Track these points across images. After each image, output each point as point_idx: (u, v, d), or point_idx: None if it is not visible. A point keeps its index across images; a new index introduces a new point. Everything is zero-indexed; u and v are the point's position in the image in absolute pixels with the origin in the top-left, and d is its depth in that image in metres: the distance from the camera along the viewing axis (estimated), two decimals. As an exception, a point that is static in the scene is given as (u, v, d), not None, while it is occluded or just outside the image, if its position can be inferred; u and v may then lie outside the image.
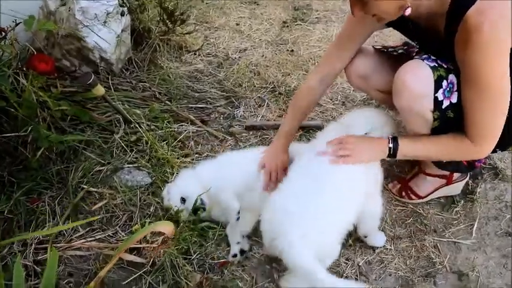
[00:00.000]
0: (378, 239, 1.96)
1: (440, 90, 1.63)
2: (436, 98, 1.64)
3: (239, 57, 3.09)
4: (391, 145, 1.74)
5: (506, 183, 2.15)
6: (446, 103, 1.65)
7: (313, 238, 1.58)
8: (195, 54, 3.10)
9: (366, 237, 1.93)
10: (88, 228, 1.97)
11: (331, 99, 2.70)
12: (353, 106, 2.67)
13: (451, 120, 1.69)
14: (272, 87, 2.78)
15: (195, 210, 1.91)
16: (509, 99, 1.55)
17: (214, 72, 2.93)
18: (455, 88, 1.63)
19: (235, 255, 1.88)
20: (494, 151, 1.78)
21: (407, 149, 1.75)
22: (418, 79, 1.64)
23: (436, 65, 1.63)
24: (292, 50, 3.17)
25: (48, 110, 2.04)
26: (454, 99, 1.65)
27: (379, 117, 1.93)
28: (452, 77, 1.63)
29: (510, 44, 1.47)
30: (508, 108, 1.57)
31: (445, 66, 1.63)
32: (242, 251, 1.89)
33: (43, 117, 2.01)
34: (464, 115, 1.62)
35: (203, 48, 3.14)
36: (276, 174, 1.92)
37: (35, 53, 2.15)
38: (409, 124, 1.81)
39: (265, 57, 3.08)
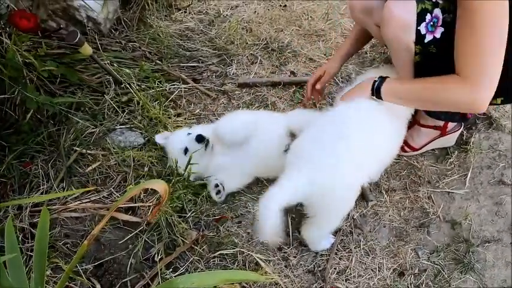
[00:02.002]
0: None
1: (423, 24, 1.59)
2: (418, 31, 1.61)
3: (231, 14, 3.01)
4: (376, 79, 1.69)
5: (500, 132, 2.14)
6: (429, 37, 1.61)
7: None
8: (185, 12, 3.01)
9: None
10: (83, 190, 1.97)
11: (325, 54, 2.65)
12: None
13: (433, 57, 1.65)
14: (265, 44, 2.72)
15: (200, 138, 1.90)
16: (505, 42, 1.45)
17: (205, 30, 2.86)
18: (439, 23, 1.59)
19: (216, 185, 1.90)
20: (504, 102, 1.76)
21: (391, 88, 1.67)
22: (403, 10, 1.61)
23: None
24: (285, 5, 3.08)
25: (36, 72, 2.00)
26: (438, 35, 1.60)
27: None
28: (437, 12, 1.58)
29: None
30: (504, 51, 1.47)
31: (433, 0, 1.58)
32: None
33: (30, 78, 1.97)
34: (456, 56, 1.52)
35: (194, 5, 3.06)
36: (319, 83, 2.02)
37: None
38: (396, 59, 1.77)
39: (258, 13, 3.00)
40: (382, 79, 1.68)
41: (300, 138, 1.69)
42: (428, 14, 1.58)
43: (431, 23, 1.59)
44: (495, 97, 1.75)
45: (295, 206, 1.91)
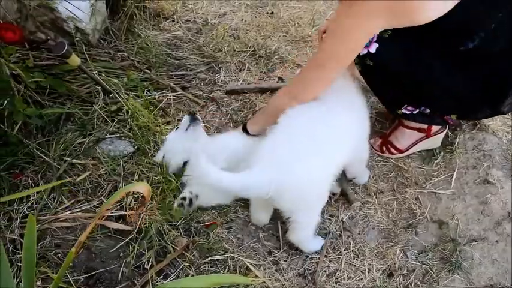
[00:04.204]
0: (364, 177, 2.06)
1: None
2: None
3: (218, 22, 3.04)
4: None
5: (484, 132, 2.17)
6: (363, 51, 1.70)
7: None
8: (173, 21, 3.04)
9: (354, 178, 2.03)
10: (73, 200, 1.98)
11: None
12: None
13: (371, 69, 1.76)
14: (252, 51, 2.75)
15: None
16: (335, 62, 1.64)
17: (193, 39, 2.89)
18: (374, 39, 1.67)
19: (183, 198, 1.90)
20: (463, 118, 1.94)
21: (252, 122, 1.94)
22: None
23: None
24: (272, 12, 3.12)
25: (24, 83, 2.01)
26: (373, 50, 1.69)
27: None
28: None
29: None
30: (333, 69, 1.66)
31: None
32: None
33: (18, 89, 1.98)
34: None
35: (181, 14, 3.09)
36: None
37: (4, 25, 2.10)
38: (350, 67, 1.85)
39: (245, 20, 3.03)
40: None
41: (261, 143, 1.72)
42: None
43: None
44: (450, 112, 1.90)
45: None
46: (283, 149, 1.61)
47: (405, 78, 1.73)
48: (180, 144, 1.98)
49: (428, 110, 1.88)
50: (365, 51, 1.70)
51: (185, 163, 1.95)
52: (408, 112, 1.92)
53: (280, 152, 1.61)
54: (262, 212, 1.87)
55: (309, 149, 1.60)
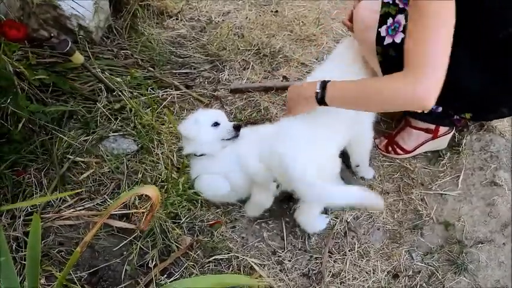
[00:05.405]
0: (368, 172, 2.06)
1: (384, 26, 1.65)
2: (378, 33, 1.66)
3: (222, 20, 3.02)
4: (318, 90, 1.62)
5: (491, 133, 2.15)
6: (388, 40, 1.66)
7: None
8: (177, 19, 3.03)
9: (357, 166, 2.03)
10: (76, 198, 1.97)
11: (316, 59, 2.67)
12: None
13: (393, 60, 1.64)
14: (257, 49, 2.74)
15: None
16: (449, 30, 1.39)
17: (197, 37, 2.87)
18: (400, 29, 1.62)
19: None
20: (476, 119, 1.85)
21: (336, 92, 1.60)
22: (366, 11, 1.70)
23: (390, 1, 1.64)
24: (276, 11, 3.10)
25: (27, 81, 2.00)
26: (398, 40, 1.63)
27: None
28: (400, 18, 1.62)
29: None
30: (449, 39, 1.40)
31: (400, 6, 1.62)
32: None
33: (21, 87, 1.96)
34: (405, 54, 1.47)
35: (185, 12, 3.07)
36: None
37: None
38: (367, 57, 1.81)
39: (249, 19, 3.01)
40: (323, 89, 1.62)
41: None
42: (391, 18, 1.64)
43: (392, 28, 1.64)
44: (464, 111, 1.80)
45: (288, 211, 1.92)
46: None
47: None
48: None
49: (440, 109, 1.86)
50: (390, 41, 1.65)
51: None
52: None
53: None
54: (264, 192, 1.84)
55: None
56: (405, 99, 1.46)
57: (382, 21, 1.65)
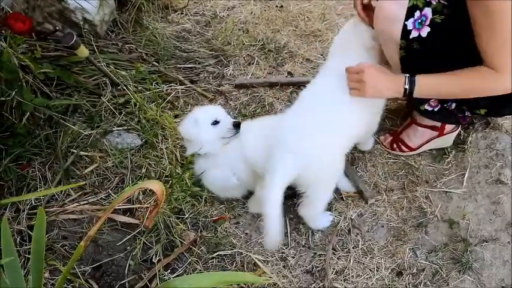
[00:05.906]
0: (369, 144, 2.11)
1: (411, 19, 1.61)
2: (405, 26, 1.63)
3: (227, 15, 3.01)
4: (407, 86, 1.63)
5: (497, 131, 2.13)
6: (414, 34, 1.63)
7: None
8: (181, 13, 3.02)
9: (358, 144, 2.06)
10: (80, 192, 1.98)
11: (321, 55, 2.66)
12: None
13: (416, 54, 1.65)
14: (261, 45, 2.72)
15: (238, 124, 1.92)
16: None
17: (202, 32, 2.86)
18: (427, 22, 1.59)
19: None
20: (491, 114, 1.84)
21: (427, 87, 1.65)
22: (393, 3, 1.63)
23: None
24: (281, 6, 3.08)
25: (32, 74, 2.00)
26: (424, 33, 1.61)
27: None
28: (427, 11, 1.58)
29: None
30: None
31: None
32: None
33: (26, 80, 1.96)
34: (480, 47, 1.52)
35: (190, 7, 3.06)
36: None
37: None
38: (385, 49, 1.78)
39: (254, 14, 3.00)
40: (412, 81, 1.63)
41: (278, 125, 1.76)
42: (418, 11, 1.59)
43: (419, 21, 1.60)
44: (480, 107, 1.79)
45: (292, 207, 1.91)
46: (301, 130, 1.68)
47: (450, 68, 1.62)
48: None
49: (454, 106, 1.84)
50: (416, 34, 1.62)
51: None
52: (430, 108, 1.88)
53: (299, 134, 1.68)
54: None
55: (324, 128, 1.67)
56: (495, 90, 1.59)
57: (409, 14, 1.61)
